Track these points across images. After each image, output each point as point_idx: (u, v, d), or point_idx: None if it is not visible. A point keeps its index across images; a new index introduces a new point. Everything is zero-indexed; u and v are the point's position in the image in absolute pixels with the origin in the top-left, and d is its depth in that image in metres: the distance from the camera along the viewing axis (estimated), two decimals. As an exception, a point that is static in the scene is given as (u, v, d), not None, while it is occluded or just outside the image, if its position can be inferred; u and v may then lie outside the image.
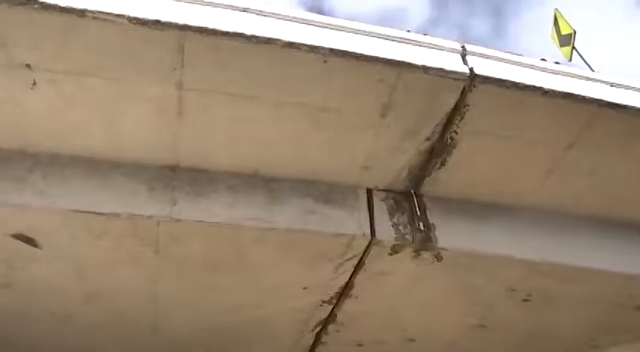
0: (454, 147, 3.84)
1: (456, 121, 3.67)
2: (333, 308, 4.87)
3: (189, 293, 4.49)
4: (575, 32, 5.85)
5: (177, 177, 3.81)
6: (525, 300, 4.81)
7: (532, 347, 5.73)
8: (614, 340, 5.52)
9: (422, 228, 4.03)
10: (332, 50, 3.18)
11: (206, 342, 5.36)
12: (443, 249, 4.07)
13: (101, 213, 3.57)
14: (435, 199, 4.25)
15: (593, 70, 4.29)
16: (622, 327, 5.30)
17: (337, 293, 4.62)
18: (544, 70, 3.71)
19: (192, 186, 3.80)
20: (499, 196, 4.35)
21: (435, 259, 4.17)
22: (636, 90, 3.97)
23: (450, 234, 4.11)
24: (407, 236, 4.00)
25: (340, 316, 4.97)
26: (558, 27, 6.16)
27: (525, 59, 3.72)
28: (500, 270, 4.38)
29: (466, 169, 4.05)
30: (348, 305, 4.78)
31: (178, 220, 3.67)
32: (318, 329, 5.22)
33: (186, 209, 3.71)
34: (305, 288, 4.50)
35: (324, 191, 4.03)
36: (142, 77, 3.26)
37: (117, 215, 3.57)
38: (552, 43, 6.25)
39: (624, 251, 4.60)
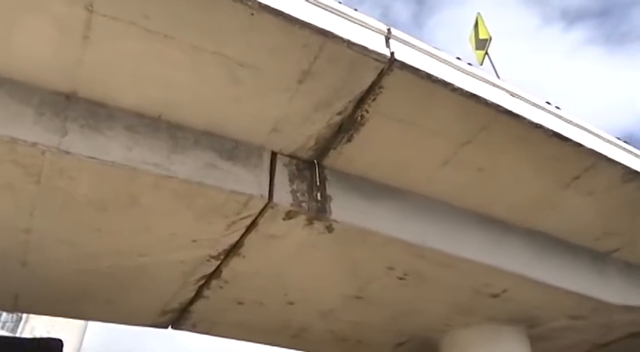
0: (362, 126, 3.90)
1: (369, 101, 3.71)
2: (219, 265, 4.82)
3: (70, 231, 4.20)
4: (490, 38, 6.15)
5: (72, 106, 3.49)
6: (401, 279, 5.10)
7: (399, 320, 6.13)
8: (467, 322, 6.07)
9: (319, 198, 4.08)
10: (261, 5, 3.04)
11: (82, 284, 5.08)
12: (335, 221, 4.16)
13: (-24, 131, 3.18)
14: (336, 172, 4.32)
15: (498, 77, 4.53)
16: (475, 311, 5.83)
17: (226, 250, 4.58)
18: (457, 68, 3.85)
19: (87, 120, 3.51)
20: (395, 179, 4.52)
21: (326, 230, 4.26)
22: (531, 104, 4.26)
23: (344, 208, 4.21)
24: (303, 204, 4.03)
25: (225, 273, 4.94)
26: (477, 31, 6.44)
27: (443, 54, 3.83)
28: (383, 248, 4.58)
29: (370, 148, 4.14)
30: (234, 263, 4.76)
31: (67, 153, 3.38)
32: (201, 283, 5.16)
33: (79, 142, 3.43)
34: (194, 241, 4.40)
35: (229, 147, 3.92)
36: (47, -11, 2.91)
37: (-5, 135, 3.20)
38: (469, 45, 6.53)
39: (491, 245, 5.02)
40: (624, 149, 4.76)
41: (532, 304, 5.70)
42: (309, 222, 4.14)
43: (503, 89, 4.09)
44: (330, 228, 4.23)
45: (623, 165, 4.58)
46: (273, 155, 4.09)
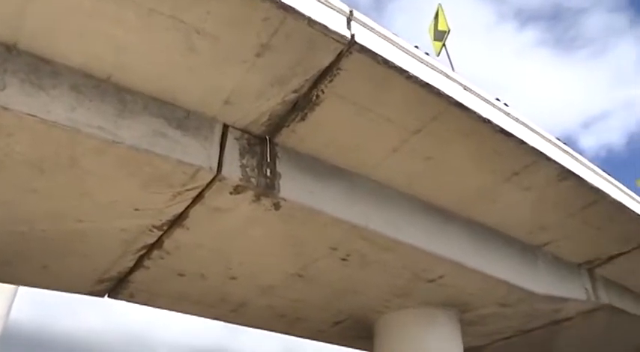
0: (317, 105, 3.89)
1: (326, 81, 3.70)
2: (161, 235, 4.73)
3: (4, 190, 3.98)
4: (449, 30, 6.25)
5: (13, 59, 3.28)
6: (343, 259, 5.19)
7: (339, 300, 6.25)
8: (403, 304, 6.27)
9: (268, 174, 4.06)
10: (222, -28, 2.95)
11: (16, 246, 4.86)
12: (283, 198, 4.16)
13: None
14: (287, 150, 4.30)
15: (453, 70, 4.62)
16: (412, 294, 6.03)
17: (170, 221, 4.49)
18: (415, 56, 3.89)
19: (29, 75, 3.31)
20: (345, 161, 4.56)
21: (273, 207, 4.25)
22: (482, 99, 4.37)
23: (293, 186, 4.21)
24: (252, 179, 4.00)
25: (167, 244, 4.86)
26: (437, 22, 6.52)
27: (402, 41, 3.86)
28: (328, 229, 4.62)
29: (322, 129, 4.14)
30: (177, 234, 4.68)
31: (6, 108, 3.18)
32: (142, 253, 5.05)
33: (18, 98, 3.23)
34: (137, 210, 4.28)
35: (180, 116, 3.82)
36: None
37: None
38: (428, 35, 6.61)
39: (432, 232, 5.18)
40: (562, 149, 4.99)
41: (466, 290, 5.95)
42: (257, 198, 4.12)
43: (456, 82, 4.18)
44: (277, 206, 4.22)
45: (560, 164, 4.81)
46: (225, 128, 4.02)
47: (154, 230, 4.60)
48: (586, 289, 6.68)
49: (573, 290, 6.52)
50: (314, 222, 4.50)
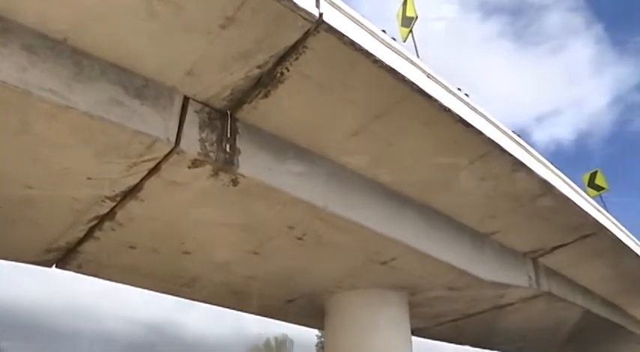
0: (281, 83, 3.83)
1: (291, 59, 3.64)
2: (114, 206, 4.60)
3: (-54, 151, 3.76)
4: (417, 17, 6.28)
5: (-41, 11, 3.07)
6: (299, 239, 5.20)
7: (293, 278, 6.28)
8: (355, 285, 6.38)
9: (228, 150, 3.99)
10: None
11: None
12: (241, 175, 4.11)
13: None
14: (248, 127, 4.24)
15: (418, 57, 4.64)
16: (364, 276, 6.13)
17: (123, 192, 4.36)
18: (381, 40, 3.88)
19: (-23, 29, 3.11)
20: (306, 141, 4.53)
21: (231, 183, 4.19)
22: (444, 88, 4.42)
23: (252, 163, 4.16)
24: (211, 153, 3.92)
25: (120, 215, 4.73)
26: (405, 8, 6.53)
27: (369, 24, 3.83)
28: (286, 208, 4.61)
29: (285, 107, 4.10)
30: (131, 206, 4.56)
31: (-51, 64, 2.98)
32: (93, 223, 4.90)
33: (-36, 54, 3.04)
34: (89, 179, 4.14)
35: (139, 85, 3.69)
36: None
37: None
38: (395, 20, 6.61)
39: (388, 215, 5.26)
40: (516, 141, 5.14)
41: (416, 274, 6.09)
42: (215, 173, 4.06)
43: (420, 69, 4.21)
44: (235, 182, 4.17)
45: (513, 156, 4.95)
46: (185, 100, 3.91)
47: (107, 200, 4.47)
48: (529, 277, 6.98)
49: (517, 278, 6.79)
50: (272, 199, 4.48)
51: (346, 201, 4.82)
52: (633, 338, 10.29)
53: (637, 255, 7.31)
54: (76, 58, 3.43)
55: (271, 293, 6.70)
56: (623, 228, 7.16)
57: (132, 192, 4.34)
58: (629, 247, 7.03)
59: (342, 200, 4.78)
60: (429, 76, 4.25)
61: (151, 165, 3.95)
